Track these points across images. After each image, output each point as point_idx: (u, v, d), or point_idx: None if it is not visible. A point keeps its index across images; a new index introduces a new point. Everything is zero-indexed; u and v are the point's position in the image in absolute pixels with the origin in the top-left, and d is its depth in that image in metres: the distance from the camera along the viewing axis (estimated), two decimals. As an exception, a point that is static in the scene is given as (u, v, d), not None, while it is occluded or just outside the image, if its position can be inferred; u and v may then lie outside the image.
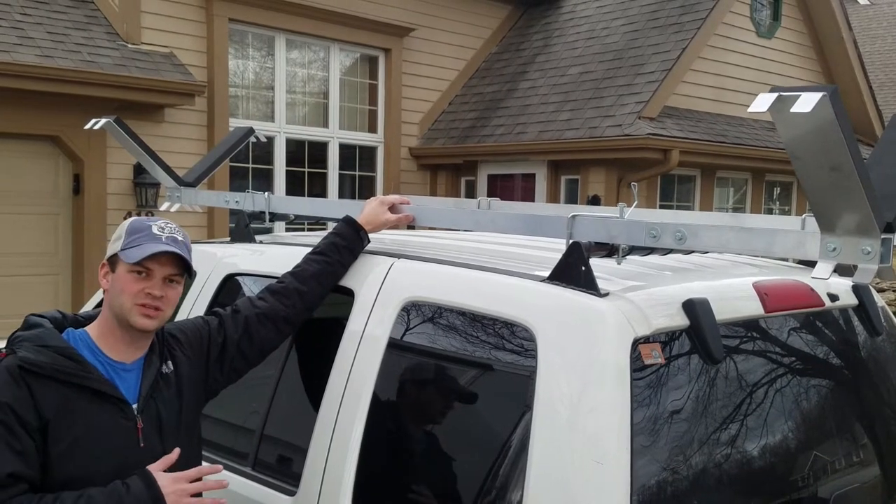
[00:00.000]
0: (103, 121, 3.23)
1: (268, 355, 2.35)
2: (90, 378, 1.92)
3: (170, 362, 2.10)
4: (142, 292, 1.96)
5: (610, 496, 1.75)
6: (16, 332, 1.98)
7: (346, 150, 10.14)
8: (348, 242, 2.49)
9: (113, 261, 2.01)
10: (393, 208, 2.62)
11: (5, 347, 1.94)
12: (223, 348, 2.23)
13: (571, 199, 9.45)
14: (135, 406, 1.98)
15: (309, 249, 2.50)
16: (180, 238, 2.03)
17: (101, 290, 2.27)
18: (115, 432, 1.93)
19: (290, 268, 2.45)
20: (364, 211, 2.61)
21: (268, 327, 2.30)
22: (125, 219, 7.99)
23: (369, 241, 2.55)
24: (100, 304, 2.10)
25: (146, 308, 1.97)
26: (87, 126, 3.32)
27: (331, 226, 6.03)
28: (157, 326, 2.02)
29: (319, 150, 9.91)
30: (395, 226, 2.65)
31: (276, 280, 2.42)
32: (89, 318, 2.08)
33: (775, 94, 1.46)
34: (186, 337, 2.19)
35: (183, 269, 2.03)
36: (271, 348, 2.35)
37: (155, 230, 2.00)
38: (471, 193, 10.36)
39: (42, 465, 1.85)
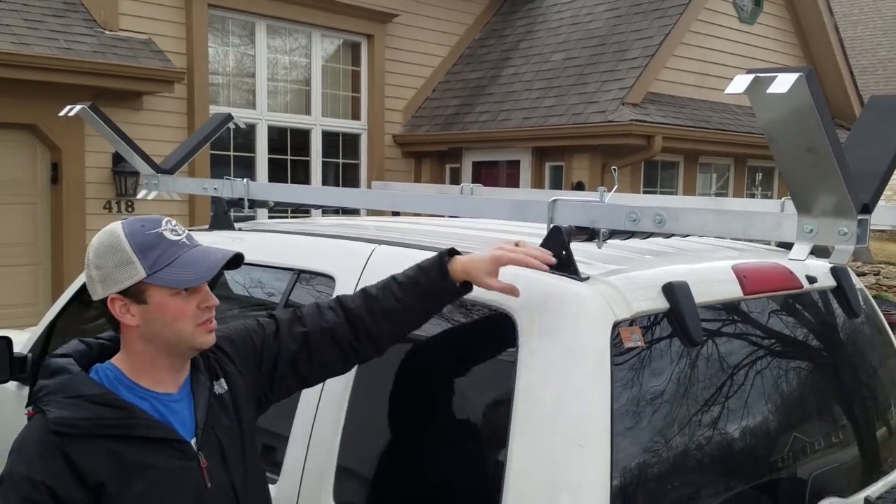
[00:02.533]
0: (78, 107, 3.20)
1: (327, 378, 2.04)
2: (138, 425, 1.63)
3: (222, 380, 1.81)
4: (198, 310, 1.68)
5: (591, 478, 1.75)
6: (38, 378, 1.67)
7: (330, 138, 10.09)
8: (432, 287, 1.94)
9: (138, 290, 1.64)
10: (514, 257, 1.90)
11: (32, 404, 1.64)
12: (276, 361, 1.90)
13: (556, 185, 9.46)
14: (193, 441, 1.71)
15: (287, 237, 2.37)
16: (187, 231, 1.76)
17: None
18: (177, 479, 1.65)
19: (275, 256, 2.29)
20: (472, 257, 1.95)
21: (331, 348, 1.94)
22: (106, 209, 7.74)
23: (468, 291, 1.96)
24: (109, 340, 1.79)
25: (209, 324, 1.71)
26: (62, 113, 3.29)
27: (315, 213, 5.91)
28: None
29: (302, 137, 9.86)
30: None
31: (349, 295, 2.01)
32: (114, 340, 1.76)
33: (752, 76, 1.46)
34: (235, 347, 1.87)
35: None
36: (333, 372, 2.01)
37: (170, 236, 1.68)
38: (455, 180, 10.35)
39: None
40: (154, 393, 1.69)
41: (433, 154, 10.54)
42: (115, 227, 1.69)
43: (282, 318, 1.95)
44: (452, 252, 1.97)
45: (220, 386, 1.80)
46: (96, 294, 1.68)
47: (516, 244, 1.95)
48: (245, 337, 1.90)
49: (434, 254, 1.99)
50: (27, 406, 1.66)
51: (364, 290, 1.99)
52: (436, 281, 1.94)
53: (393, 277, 1.99)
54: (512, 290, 1.93)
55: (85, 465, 1.56)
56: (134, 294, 1.65)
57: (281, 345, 1.91)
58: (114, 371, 1.68)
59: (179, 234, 1.69)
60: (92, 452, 1.57)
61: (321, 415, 2.22)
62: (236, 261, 1.74)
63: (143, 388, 1.68)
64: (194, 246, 1.70)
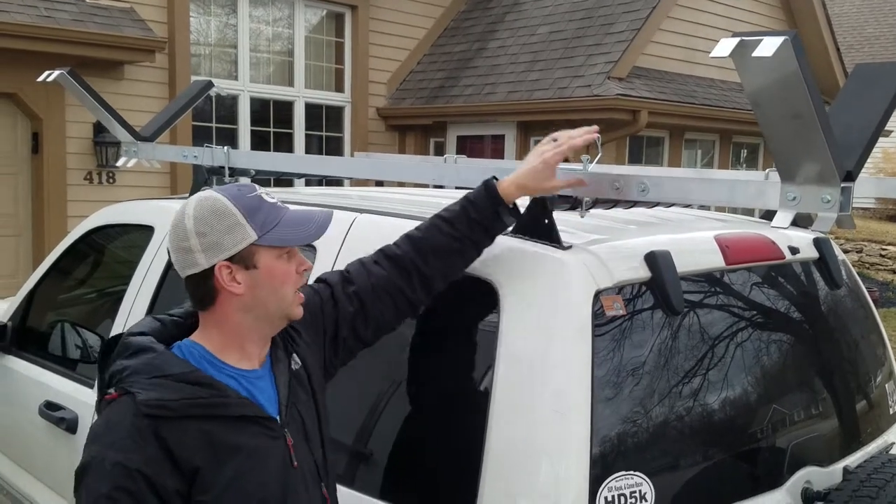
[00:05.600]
0: (56, 73, 3.15)
1: (382, 336, 1.95)
2: (230, 405, 1.55)
3: (295, 355, 1.75)
4: (299, 274, 1.64)
5: (572, 446, 1.75)
6: (115, 358, 1.58)
7: (313, 110, 10.01)
8: (482, 217, 1.89)
9: (247, 254, 1.58)
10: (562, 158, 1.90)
11: (114, 386, 1.53)
12: (337, 325, 1.86)
13: (540, 160, 9.41)
14: (277, 419, 1.64)
15: None
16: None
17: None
18: (267, 459, 1.58)
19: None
20: (518, 169, 1.94)
21: (385, 302, 1.89)
22: (87, 180, 7.72)
23: (516, 217, 1.95)
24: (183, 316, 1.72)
25: (300, 294, 1.68)
26: (40, 79, 3.24)
27: (298, 183, 5.86)
28: None
29: (285, 109, 9.77)
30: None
31: (391, 244, 1.96)
32: (187, 316, 1.70)
33: (737, 39, 1.44)
34: (302, 318, 1.78)
35: None
36: (388, 328, 1.94)
37: (268, 198, 1.62)
38: (440, 154, 10.27)
39: None
40: (240, 370, 1.62)
41: (417, 128, 10.47)
42: (212, 193, 1.61)
43: (333, 281, 1.89)
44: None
45: (295, 361, 1.75)
46: (196, 265, 1.57)
47: (554, 139, 1.93)
48: (308, 306, 1.82)
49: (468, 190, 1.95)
50: (106, 389, 1.56)
51: (408, 235, 1.95)
52: (487, 208, 1.89)
53: (437, 215, 1.94)
54: (580, 182, 1.92)
55: (180, 450, 1.47)
56: (242, 259, 1.58)
57: (339, 308, 1.86)
58: (198, 348, 1.61)
59: (274, 198, 1.64)
60: (186, 435, 1.49)
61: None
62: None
63: (230, 366, 1.61)
64: (287, 208, 1.65)
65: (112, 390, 1.52)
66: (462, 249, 1.91)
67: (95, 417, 1.59)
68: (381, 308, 1.89)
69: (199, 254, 1.57)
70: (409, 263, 1.90)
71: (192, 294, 1.63)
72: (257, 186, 1.66)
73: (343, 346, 1.89)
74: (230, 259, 1.57)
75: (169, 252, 1.63)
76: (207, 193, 1.61)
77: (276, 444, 1.61)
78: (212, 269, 1.57)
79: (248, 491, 1.53)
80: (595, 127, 1.94)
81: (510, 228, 2.02)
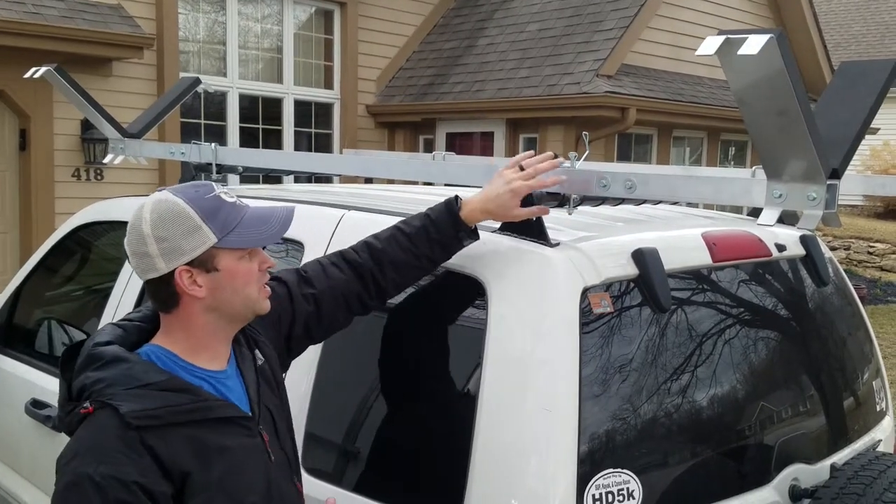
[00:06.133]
0: (44, 69, 3.13)
1: (332, 335, 2.00)
2: (212, 408, 1.55)
3: (257, 351, 1.75)
4: (262, 272, 1.64)
5: (559, 443, 1.75)
6: (82, 370, 1.53)
7: (302, 107, 9.98)
8: (442, 237, 1.93)
9: (207, 258, 1.56)
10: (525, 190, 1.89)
11: (89, 399, 1.48)
12: (292, 324, 1.87)
13: (530, 157, 9.41)
14: (253, 418, 1.66)
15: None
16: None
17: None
18: (249, 457, 1.59)
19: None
20: (483, 193, 1.93)
21: (339, 304, 1.92)
22: (75, 177, 7.64)
23: (475, 239, 1.96)
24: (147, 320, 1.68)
25: (266, 288, 1.66)
26: (27, 75, 3.23)
27: (287, 180, 5.84)
28: None
29: (274, 106, 9.74)
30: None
31: (350, 248, 1.99)
32: (148, 320, 1.67)
33: (723, 37, 1.44)
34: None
35: None
36: (339, 328, 1.97)
37: (226, 198, 1.59)
38: (429, 151, 10.28)
39: None
40: (210, 372, 1.61)
41: (407, 125, 10.46)
42: (168, 196, 1.56)
43: (290, 280, 1.88)
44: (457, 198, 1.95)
45: (259, 357, 1.74)
46: (156, 270, 1.54)
47: (521, 168, 1.94)
48: None
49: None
50: (73, 402, 1.52)
51: (367, 243, 1.97)
52: (448, 230, 1.92)
53: (397, 227, 1.97)
54: (543, 211, 1.94)
55: (169, 457, 1.46)
56: (202, 263, 1.55)
57: (295, 307, 1.87)
58: (166, 353, 1.58)
59: (233, 197, 1.61)
60: (173, 443, 1.47)
61: (289, 380, 2.20)
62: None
63: (200, 369, 1.59)
64: (247, 206, 1.63)
65: (87, 404, 1.48)
66: (419, 265, 1.96)
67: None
68: (336, 310, 1.92)
69: (158, 258, 1.54)
70: (367, 272, 1.93)
71: (154, 297, 1.61)
72: (215, 185, 1.63)
73: (296, 344, 1.91)
74: (190, 263, 1.55)
75: (127, 256, 1.59)
76: (163, 195, 1.57)
77: (255, 442, 1.62)
78: (172, 273, 1.54)
79: (236, 490, 1.54)
80: (553, 155, 1.96)
81: (497, 226, 2.02)
